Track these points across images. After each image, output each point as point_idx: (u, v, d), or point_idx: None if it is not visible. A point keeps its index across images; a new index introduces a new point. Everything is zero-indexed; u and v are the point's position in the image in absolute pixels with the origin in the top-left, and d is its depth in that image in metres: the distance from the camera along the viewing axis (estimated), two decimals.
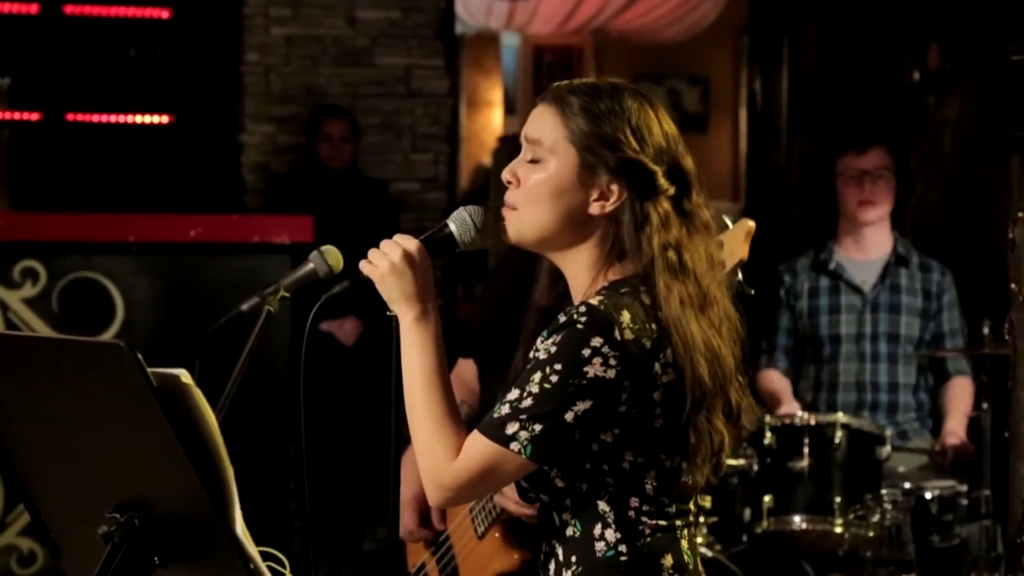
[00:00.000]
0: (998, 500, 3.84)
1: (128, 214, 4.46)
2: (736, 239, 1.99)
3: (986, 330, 3.87)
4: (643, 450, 1.79)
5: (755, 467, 3.83)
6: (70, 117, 5.41)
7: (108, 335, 4.06)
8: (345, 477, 4.95)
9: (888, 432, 3.87)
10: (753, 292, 1.99)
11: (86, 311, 4.08)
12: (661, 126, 1.85)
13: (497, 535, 2.45)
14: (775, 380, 4.17)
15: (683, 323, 1.78)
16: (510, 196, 1.87)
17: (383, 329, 1.87)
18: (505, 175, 1.88)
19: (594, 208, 1.84)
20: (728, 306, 1.86)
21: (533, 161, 1.85)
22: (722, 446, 1.84)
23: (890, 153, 4.18)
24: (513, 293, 2.29)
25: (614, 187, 1.83)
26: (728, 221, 2.10)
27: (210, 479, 1.60)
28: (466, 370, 2.64)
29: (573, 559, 1.83)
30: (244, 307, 2.06)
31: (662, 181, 1.83)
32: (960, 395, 4.13)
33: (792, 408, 4.04)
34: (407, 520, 2.57)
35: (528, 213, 1.85)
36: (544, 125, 1.85)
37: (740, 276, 2.09)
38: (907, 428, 4.15)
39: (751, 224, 1.96)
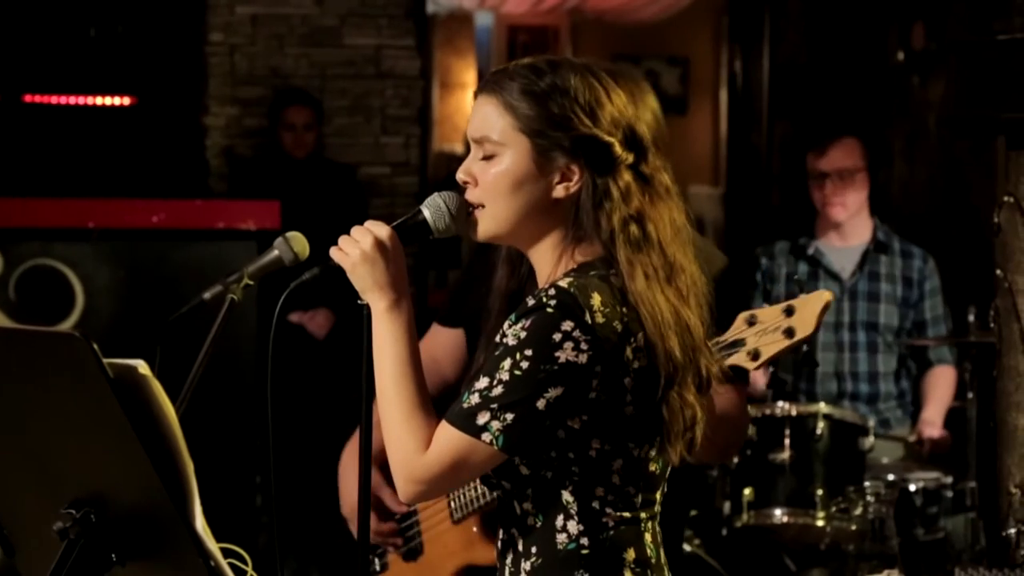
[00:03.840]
0: (983, 492, 3.77)
1: (88, 199, 4.44)
2: (811, 311, 1.90)
3: (972, 317, 3.82)
4: (611, 437, 1.76)
5: (735, 459, 3.77)
6: (27, 99, 5.37)
7: (67, 324, 4.04)
8: (314, 471, 4.89)
9: (871, 422, 3.81)
10: (819, 365, 1.89)
11: (45, 299, 4.08)
12: (608, 94, 1.81)
13: (475, 528, 2.41)
14: None
15: (649, 298, 1.75)
16: (471, 195, 1.84)
17: (355, 321, 1.83)
18: (460, 176, 1.84)
19: (559, 191, 1.80)
20: (695, 272, 1.82)
21: (486, 158, 1.82)
22: (695, 420, 1.80)
23: (858, 143, 4.09)
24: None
25: (574, 167, 1.79)
26: (801, 288, 1.99)
27: (169, 473, 1.58)
28: (440, 341, 2.53)
29: (533, 550, 1.79)
30: (206, 295, 2.04)
31: (620, 151, 1.79)
32: (940, 384, 4.08)
33: (755, 380, 3.96)
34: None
35: (493, 209, 1.82)
36: (488, 119, 1.82)
37: (806, 348, 2.00)
38: (889, 417, 4.12)
39: (828, 296, 1.86)
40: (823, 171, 4.07)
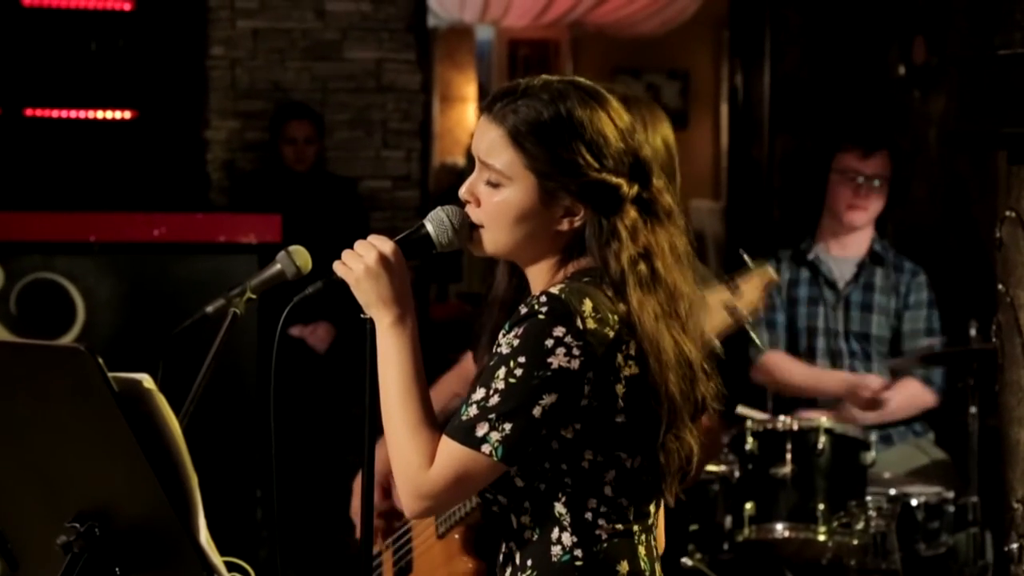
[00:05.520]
0: (986, 507, 3.76)
1: (89, 213, 4.43)
2: (755, 288, 1.90)
3: (973, 331, 3.80)
4: (603, 448, 1.76)
5: (736, 473, 3.78)
6: (29, 112, 5.35)
7: (69, 338, 4.03)
8: (314, 485, 4.88)
9: (872, 437, 3.79)
10: (763, 346, 1.90)
11: (46, 313, 4.07)
12: (615, 125, 1.80)
13: (456, 538, 2.41)
14: (786, 362, 4.05)
15: (657, 338, 1.75)
16: (473, 215, 1.84)
17: (356, 335, 1.84)
18: (463, 194, 1.83)
19: (563, 225, 1.82)
20: (692, 294, 1.82)
21: (491, 184, 1.81)
22: (690, 456, 1.82)
23: (891, 159, 4.10)
24: None
25: (579, 206, 1.81)
26: (748, 261, 1.98)
27: (173, 487, 1.59)
28: (470, 368, 2.55)
29: (529, 563, 1.81)
30: (209, 309, 2.05)
31: (626, 188, 1.80)
32: (905, 386, 3.99)
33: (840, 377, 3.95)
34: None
35: (494, 235, 1.82)
36: (494, 147, 1.80)
37: (749, 322, 1.99)
38: (891, 432, 4.09)
39: (773, 275, 1.85)
40: (865, 173, 4.04)
